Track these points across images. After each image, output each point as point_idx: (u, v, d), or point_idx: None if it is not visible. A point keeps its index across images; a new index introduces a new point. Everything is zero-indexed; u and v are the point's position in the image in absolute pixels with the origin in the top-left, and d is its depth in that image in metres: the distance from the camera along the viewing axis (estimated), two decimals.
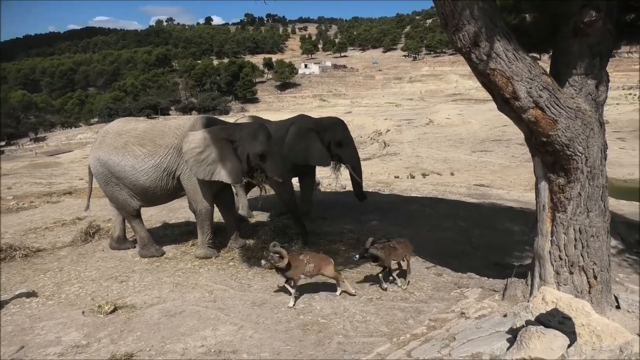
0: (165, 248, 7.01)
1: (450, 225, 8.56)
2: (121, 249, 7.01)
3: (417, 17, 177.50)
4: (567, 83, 4.19)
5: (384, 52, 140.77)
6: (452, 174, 28.05)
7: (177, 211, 9.64)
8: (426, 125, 51.81)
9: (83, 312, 4.85)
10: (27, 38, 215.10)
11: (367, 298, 5.19)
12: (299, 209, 7.60)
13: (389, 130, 51.11)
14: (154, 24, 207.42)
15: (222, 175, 6.30)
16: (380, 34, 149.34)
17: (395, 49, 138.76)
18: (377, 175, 26.33)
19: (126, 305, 5.01)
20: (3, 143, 76.33)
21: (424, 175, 28.39)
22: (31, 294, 5.33)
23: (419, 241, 7.42)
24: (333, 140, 8.16)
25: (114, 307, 4.88)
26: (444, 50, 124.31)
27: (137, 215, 6.84)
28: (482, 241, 7.64)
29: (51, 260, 6.72)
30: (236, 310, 4.88)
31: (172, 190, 6.66)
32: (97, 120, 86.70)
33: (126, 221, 7.01)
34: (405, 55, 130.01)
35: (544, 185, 4.41)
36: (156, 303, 5.12)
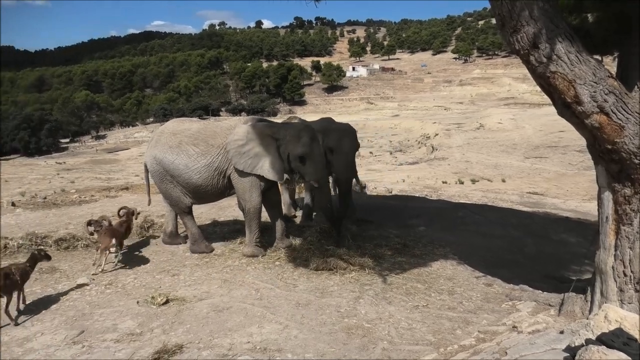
0: (214, 245, 7.21)
1: (501, 233, 8.27)
2: (173, 244, 7.29)
3: (468, 19, 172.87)
4: (635, 87, 3.94)
5: (433, 54, 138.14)
6: (503, 181, 27.06)
7: (226, 209, 9.89)
8: (476, 129, 50.30)
9: (137, 302, 5.08)
10: (91, 42, 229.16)
11: (413, 305, 5.10)
12: (334, 215, 7.20)
13: (437, 134, 50.08)
14: (207, 27, 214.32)
15: (264, 170, 6.46)
16: (430, 36, 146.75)
17: (445, 51, 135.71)
18: (424, 180, 25.89)
19: (177, 298, 5.20)
20: (67, 140, 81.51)
21: (473, 181, 27.58)
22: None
23: (468, 249, 7.23)
24: (325, 146, 7.60)
25: (166, 299, 5.07)
26: (496, 52, 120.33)
27: (189, 212, 7.09)
28: (536, 252, 7.32)
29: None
30: (281, 309, 4.94)
31: (222, 189, 6.86)
32: (152, 120, 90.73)
33: (178, 217, 7.27)
34: (455, 58, 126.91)
35: (607, 196, 4.16)
36: (205, 297, 5.27)
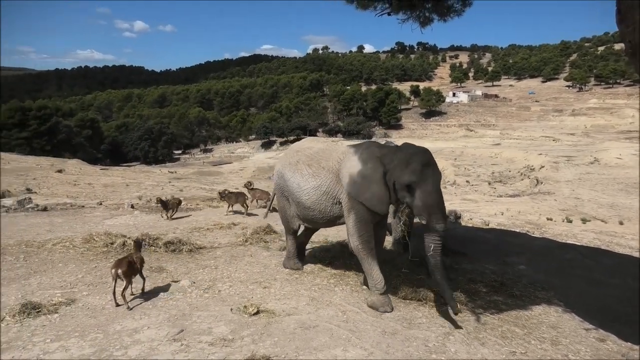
0: (305, 261, 7.37)
1: (617, 282, 7.34)
2: (292, 267, 7.13)
3: (586, 44, 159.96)
4: None
5: (543, 81, 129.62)
6: (620, 223, 24.18)
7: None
8: (590, 164, 45.86)
9: (231, 310, 5.35)
10: (207, 64, 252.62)
11: (510, 350, 4.72)
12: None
13: (543, 167, 46.51)
14: (311, 51, 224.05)
15: (367, 197, 5.65)
16: (540, 63, 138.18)
17: (557, 78, 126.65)
18: (525, 215, 24.10)
19: (267, 310, 5.37)
20: (180, 151, 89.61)
21: (584, 220, 25.03)
22: None
23: (576, 296, 6.55)
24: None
25: (257, 309, 5.27)
26: (618, 80, 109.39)
27: (294, 232, 7.07)
28: None
29: (209, 258, 7.58)
30: (367, 335, 4.87)
31: (331, 215, 6.30)
32: (254, 137, 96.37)
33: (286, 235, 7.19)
34: (568, 86, 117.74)
35: None
36: (293, 313, 5.39)
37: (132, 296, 5.55)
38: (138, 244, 5.92)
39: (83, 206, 13.17)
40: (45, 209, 12.00)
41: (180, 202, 11.84)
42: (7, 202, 12.68)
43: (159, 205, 11.20)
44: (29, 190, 19.05)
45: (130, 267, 5.35)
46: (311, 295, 6.02)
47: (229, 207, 11.99)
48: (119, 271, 5.22)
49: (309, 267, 7.22)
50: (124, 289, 5.28)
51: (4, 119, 60.28)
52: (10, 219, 10.56)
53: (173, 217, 11.06)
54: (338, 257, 7.45)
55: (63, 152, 59.90)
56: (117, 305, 5.28)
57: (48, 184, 24.08)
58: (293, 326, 5.00)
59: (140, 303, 5.46)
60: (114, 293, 5.30)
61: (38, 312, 5.03)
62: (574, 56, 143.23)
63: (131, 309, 5.26)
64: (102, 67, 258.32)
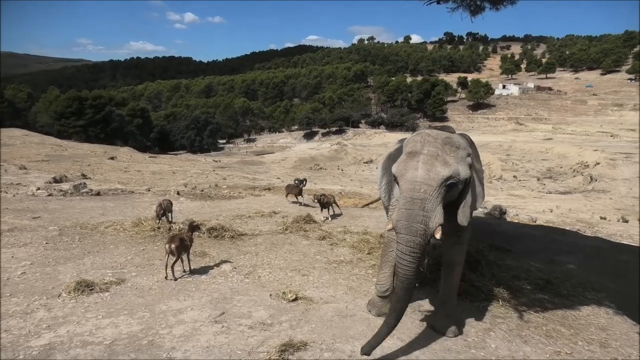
0: (342, 252, 7.41)
1: None
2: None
3: None
4: None
5: (602, 74, 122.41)
6: None
7: (358, 219, 10.08)
8: None
9: (270, 295, 5.46)
10: (252, 54, 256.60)
11: (554, 350, 4.54)
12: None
13: (598, 163, 44.11)
14: (356, 42, 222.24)
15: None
16: (600, 54, 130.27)
17: (619, 71, 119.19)
18: (577, 213, 22.99)
19: (305, 297, 5.44)
20: (224, 141, 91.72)
21: None
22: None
23: (630, 299, 6.20)
24: None
25: (296, 296, 5.35)
26: None
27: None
28: None
29: (250, 244, 7.75)
30: (404, 327, 4.83)
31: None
32: (296, 127, 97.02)
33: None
34: (631, 79, 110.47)
35: None
36: (330, 301, 5.43)
37: (180, 275, 5.84)
38: (192, 226, 6.26)
39: (133, 192, 13.80)
40: (98, 194, 12.67)
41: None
42: (64, 186, 13.51)
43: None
44: (84, 175, 20.18)
45: (182, 244, 5.72)
46: (349, 284, 6.04)
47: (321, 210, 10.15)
48: (172, 246, 5.60)
49: (347, 257, 7.25)
50: (173, 263, 5.69)
51: (63, 107, 63.86)
52: (67, 202, 11.24)
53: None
54: (377, 249, 7.41)
55: (115, 140, 62.90)
56: (166, 278, 5.71)
57: (101, 170, 25.41)
58: (330, 314, 5.03)
59: (185, 285, 5.68)
60: (166, 267, 5.73)
61: (91, 290, 5.33)
62: (639, 47, 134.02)
63: (176, 279, 5.72)
64: (152, 57, 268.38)
